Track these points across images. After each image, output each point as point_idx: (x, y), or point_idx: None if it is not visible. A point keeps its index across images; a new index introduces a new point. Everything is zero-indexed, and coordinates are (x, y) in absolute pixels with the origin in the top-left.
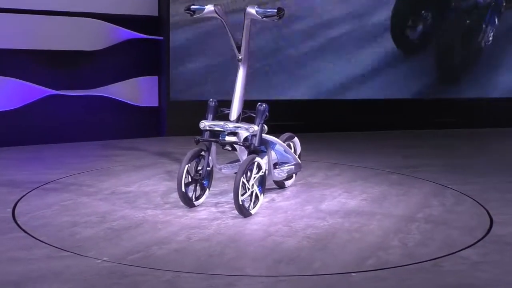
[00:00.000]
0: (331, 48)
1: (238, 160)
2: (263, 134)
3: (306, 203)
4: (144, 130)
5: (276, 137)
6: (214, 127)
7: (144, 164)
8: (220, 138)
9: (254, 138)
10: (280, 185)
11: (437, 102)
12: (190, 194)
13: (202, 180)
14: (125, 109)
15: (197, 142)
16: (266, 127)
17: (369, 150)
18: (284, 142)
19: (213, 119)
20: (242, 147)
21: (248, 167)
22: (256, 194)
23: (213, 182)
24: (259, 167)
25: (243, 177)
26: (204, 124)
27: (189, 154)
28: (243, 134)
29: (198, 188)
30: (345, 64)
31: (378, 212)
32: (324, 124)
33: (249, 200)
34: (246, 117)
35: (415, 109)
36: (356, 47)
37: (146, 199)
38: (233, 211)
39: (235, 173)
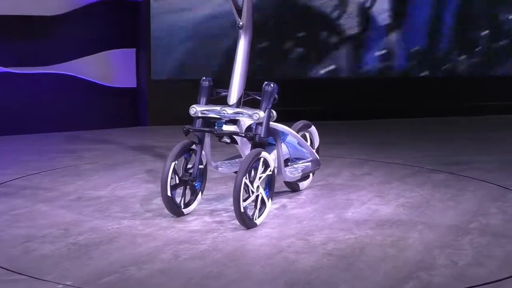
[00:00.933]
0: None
1: (239, 156)
2: (271, 122)
3: (326, 210)
4: (120, 118)
5: (288, 126)
6: (208, 114)
7: (120, 161)
8: (216, 127)
9: (260, 127)
10: (293, 187)
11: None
12: (177, 200)
13: (193, 181)
14: (94, 91)
15: (187, 132)
16: (274, 113)
17: (406, 141)
18: (298, 132)
19: (207, 104)
20: (244, 138)
21: (252, 165)
22: (263, 199)
23: (207, 184)
24: (266, 165)
25: (246, 178)
26: (196, 109)
27: (176, 148)
28: (246, 122)
29: (188, 191)
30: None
31: (419, 221)
32: (348, 109)
33: (253, 207)
34: (249, 100)
35: (457, 91)
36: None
37: (122, 206)
38: (233, 221)
39: (235, 172)
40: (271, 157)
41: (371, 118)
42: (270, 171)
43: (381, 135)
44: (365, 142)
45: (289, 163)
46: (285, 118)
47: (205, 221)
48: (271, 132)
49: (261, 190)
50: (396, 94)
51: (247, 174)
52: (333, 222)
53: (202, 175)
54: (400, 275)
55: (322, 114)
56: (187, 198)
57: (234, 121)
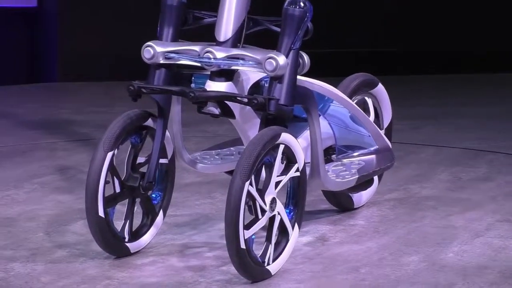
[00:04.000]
0: None
1: (237, 142)
2: (300, 77)
3: (405, 248)
4: (10, 70)
5: (333, 84)
6: (178, 59)
7: (7, 150)
8: (194, 85)
9: (278, 85)
10: (343, 202)
11: None
12: (118, 226)
13: (148, 190)
14: None
15: (136, 95)
16: (307, 59)
17: None
18: (351, 96)
19: (177, 39)
20: (247, 108)
21: (261, 159)
22: (283, 225)
23: (176, 195)
24: (290, 158)
25: (250, 183)
26: (155, 50)
27: (115, 126)
28: (250, 76)
29: (137, 209)
30: None
31: None
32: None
33: (264, 240)
34: (256, 34)
35: None
36: None
37: (12, 236)
38: (224, 267)
39: (229, 172)
40: (299, 144)
41: (492, 69)
42: (298, 170)
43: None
44: (481, 114)
45: (334, 156)
46: (327, 68)
47: (171, 268)
48: (299, 95)
49: (280, 207)
50: None
51: (252, 177)
52: (418, 271)
53: (165, 178)
54: None
55: (396, 59)
56: (137, 221)
57: (228, 74)
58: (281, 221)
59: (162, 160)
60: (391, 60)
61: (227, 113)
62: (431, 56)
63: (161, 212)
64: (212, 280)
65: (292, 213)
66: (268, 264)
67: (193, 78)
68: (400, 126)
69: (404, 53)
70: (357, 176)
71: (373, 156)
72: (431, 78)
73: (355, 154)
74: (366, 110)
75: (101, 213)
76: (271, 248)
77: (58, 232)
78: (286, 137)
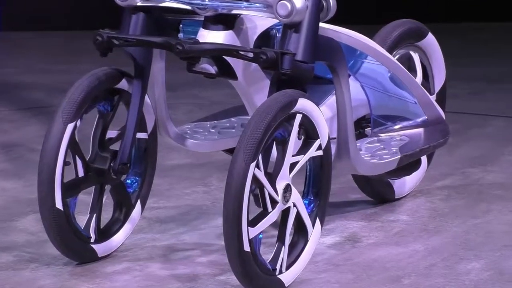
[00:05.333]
0: None
1: (240, 111)
2: (323, 25)
3: (463, 251)
4: None
5: (369, 36)
6: (162, 0)
7: None
8: (181, 35)
9: (294, 35)
10: (379, 191)
11: None
12: (82, 223)
13: (121, 174)
14: None
15: (105, 47)
16: (332, 0)
17: None
18: (392, 50)
19: None
20: (254, 66)
21: (272, 132)
22: (300, 221)
23: (158, 182)
24: (310, 132)
25: (257, 165)
26: None
27: (78, 89)
28: (257, 22)
29: (106, 199)
30: None
31: None
32: None
33: (278, 244)
34: None
35: None
36: None
37: None
38: (222, 277)
39: (229, 151)
40: (321, 114)
41: None
42: (320, 148)
43: None
44: None
45: (368, 130)
46: (358, 13)
47: (152, 277)
48: (323, 49)
49: (296, 197)
50: None
51: (259, 157)
52: (480, 283)
53: (143, 158)
54: None
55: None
56: (107, 216)
57: (227, 21)
58: (298, 216)
59: (140, 135)
60: (443, 2)
61: (227, 72)
62: None
63: (138, 203)
64: None
65: (312, 205)
66: (281, 272)
67: (181, 26)
68: (457, 90)
69: None
70: (399, 156)
71: (421, 130)
72: (499, 26)
73: (397, 127)
74: (411, 68)
75: (58, 204)
76: (284, 251)
77: (1, 230)
78: (304, 104)
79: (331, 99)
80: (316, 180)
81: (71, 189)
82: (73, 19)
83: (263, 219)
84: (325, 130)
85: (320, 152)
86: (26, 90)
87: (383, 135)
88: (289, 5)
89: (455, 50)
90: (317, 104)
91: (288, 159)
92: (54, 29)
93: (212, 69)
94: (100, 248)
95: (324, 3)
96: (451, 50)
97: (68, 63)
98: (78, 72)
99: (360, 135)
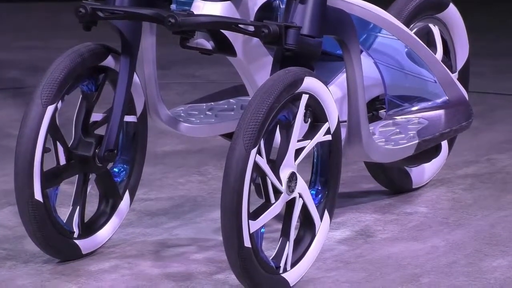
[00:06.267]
0: None
1: (240, 91)
2: None
3: (488, 246)
4: None
5: (383, 8)
6: None
7: None
8: (173, 6)
9: (300, 7)
10: (396, 180)
11: None
12: (64, 216)
13: (107, 161)
14: None
15: (89, 20)
16: None
17: None
18: (409, 23)
19: None
20: (254, 40)
21: (275, 114)
22: (306, 213)
23: (148, 169)
24: (317, 115)
25: (258, 150)
26: None
27: (59, 67)
28: None
29: (91, 189)
30: None
31: None
32: None
33: (282, 239)
34: None
35: None
36: None
37: None
38: (220, 276)
39: (227, 136)
40: (330, 94)
41: None
42: (329, 133)
43: None
44: None
45: (382, 112)
46: None
47: (142, 276)
48: (331, 22)
49: (303, 186)
50: None
51: (261, 142)
52: (507, 282)
53: (132, 144)
54: None
55: None
56: (92, 209)
57: None
58: (304, 208)
59: (128, 118)
60: None
61: (225, 48)
62: None
63: (126, 194)
64: None
65: (320, 196)
66: (285, 270)
67: None
68: (481, 68)
69: None
70: (417, 141)
71: (441, 112)
72: None
73: (414, 108)
74: (430, 43)
75: (38, 196)
76: (289, 247)
77: None
78: (311, 83)
79: (341, 78)
80: (325, 168)
81: (51, 178)
82: None
83: (265, 211)
84: (334, 112)
85: (329, 137)
86: (0, 69)
87: (399, 118)
88: None
89: (480, 23)
90: (326, 83)
91: (293, 144)
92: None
93: (209, 45)
94: (84, 244)
95: None
96: (476, 22)
97: (47, 38)
98: (58, 48)
99: (374, 117)
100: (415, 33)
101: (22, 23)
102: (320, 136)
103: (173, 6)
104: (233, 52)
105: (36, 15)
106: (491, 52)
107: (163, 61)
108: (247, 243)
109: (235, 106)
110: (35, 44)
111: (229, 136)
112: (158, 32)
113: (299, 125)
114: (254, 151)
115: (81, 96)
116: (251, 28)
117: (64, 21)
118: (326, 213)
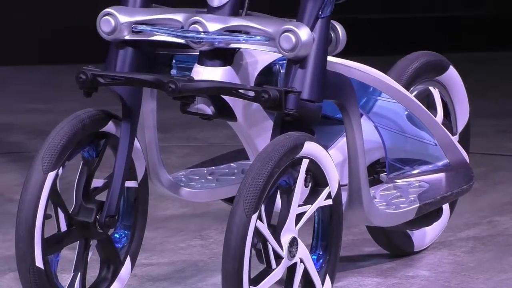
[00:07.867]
0: None
1: (240, 155)
2: (331, 58)
3: None
4: None
5: (383, 71)
6: (152, 33)
7: None
8: (174, 72)
9: (299, 71)
10: (398, 243)
11: None
12: (66, 282)
13: (108, 227)
14: None
15: (90, 86)
16: (342, 31)
17: None
18: (409, 86)
19: (148, 3)
20: (255, 106)
21: (276, 179)
22: (308, 279)
23: (150, 234)
24: (318, 179)
25: (259, 216)
26: (117, 20)
27: (60, 133)
28: (259, 57)
29: (92, 254)
30: None
31: None
32: None
33: None
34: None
35: None
36: None
37: None
38: None
39: (228, 200)
40: (331, 159)
41: None
42: (330, 197)
43: None
44: None
45: (383, 176)
46: (371, 44)
47: None
48: (332, 87)
49: (304, 252)
50: None
51: (262, 207)
52: None
53: (133, 209)
54: None
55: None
56: (93, 274)
57: (225, 55)
58: (306, 273)
59: (129, 184)
60: (466, 30)
61: (225, 113)
62: None
63: (128, 260)
64: None
65: (321, 261)
66: None
67: (174, 61)
68: (482, 128)
69: (488, 17)
70: (418, 205)
71: (442, 175)
72: None
73: (415, 172)
74: (430, 106)
75: (39, 262)
76: None
77: None
78: (311, 147)
79: (342, 142)
80: (326, 233)
81: (52, 245)
82: (54, 53)
83: (266, 277)
84: (335, 176)
85: (330, 201)
86: (3, 133)
87: (400, 181)
88: (293, 38)
89: (481, 82)
90: (326, 147)
91: (294, 209)
92: (32, 63)
93: (209, 110)
94: None
95: (333, 35)
96: (476, 82)
97: (48, 102)
98: (60, 112)
99: (374, 181)
100: (415, 96)
101: (24, 86)
102: (321, 201)
103: (173, 71)
104: (233, 117)
105: (38, 77)
106: (493, 112)
107: (164, 123)
108: None
109: (236, 171)
110: (38, 107)
111: (230, 200)
112: (158, 95)
113: (300, 190)
114: (254, 216)
115: (82, 162)
116: (251, 93)
117: (66, 83)
118: (327, 278)
